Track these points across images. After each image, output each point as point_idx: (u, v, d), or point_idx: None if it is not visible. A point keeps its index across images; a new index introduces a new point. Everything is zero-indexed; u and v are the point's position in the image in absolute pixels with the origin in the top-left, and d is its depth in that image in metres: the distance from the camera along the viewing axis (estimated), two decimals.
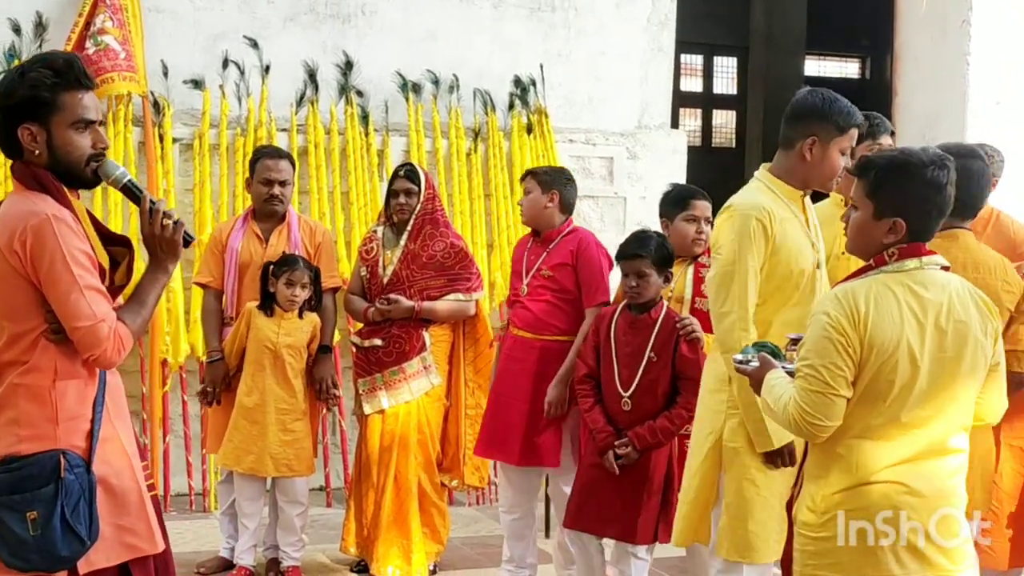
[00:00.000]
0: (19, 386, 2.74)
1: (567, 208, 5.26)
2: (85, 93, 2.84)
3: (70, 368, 2.77)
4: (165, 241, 2.85)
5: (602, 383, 4.63)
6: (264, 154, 5.62)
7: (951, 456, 2.99)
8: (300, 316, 5.38)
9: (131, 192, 2.93)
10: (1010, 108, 8.41)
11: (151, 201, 2.88)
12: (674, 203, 4.91)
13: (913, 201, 2.99)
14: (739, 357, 3.31)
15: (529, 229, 5.37)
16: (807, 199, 3.94)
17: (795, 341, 3.38)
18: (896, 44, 9.26)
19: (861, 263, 3.11)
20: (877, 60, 9.72)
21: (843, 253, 4.56)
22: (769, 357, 3.21)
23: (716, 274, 3.78)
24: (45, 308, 2.75)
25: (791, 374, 3.04)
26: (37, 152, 2.81)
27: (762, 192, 3.81)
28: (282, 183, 5.48)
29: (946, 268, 3.04)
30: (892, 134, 5.00)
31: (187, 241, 2.90)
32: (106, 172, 2.89)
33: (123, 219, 6.44)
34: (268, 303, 5.34)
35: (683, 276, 4.87)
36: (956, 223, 3.98)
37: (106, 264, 2.88)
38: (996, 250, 4.25)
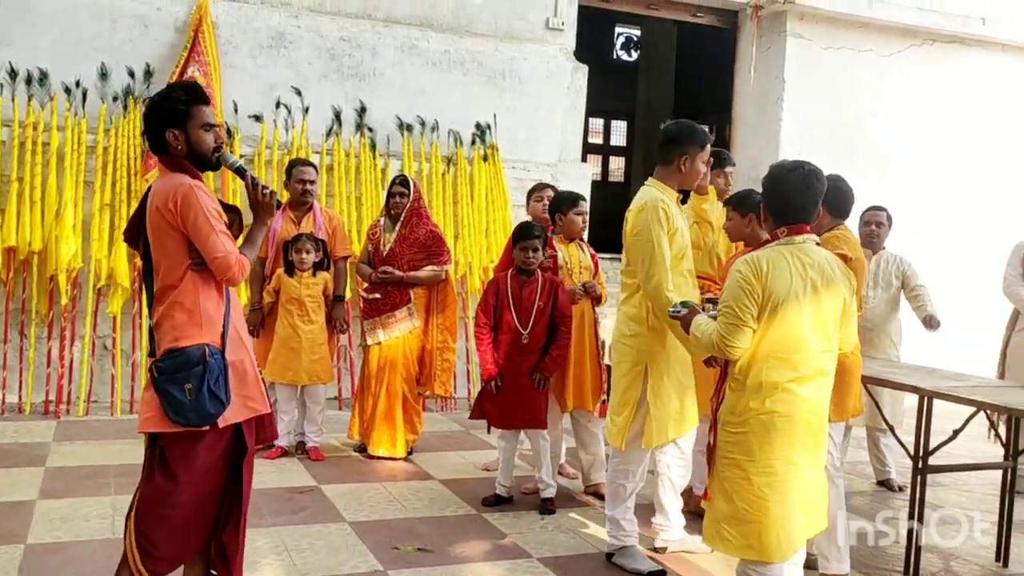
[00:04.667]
0: (175, 303, 2.79)
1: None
2: (206, 106, 2.89)
3: (207, 290, 2.82)
4: (263, 204, 2.95)
5: (504, 326, 4.56)
6: (297, 162, 5.59)
7: (825, 377, 2.98)
8: (314, 275, 5.34)
9: (241, 172, 2.98)
10: (809, 157, 8.43)
11: (253, 178, 2.95)
12: (568, 202, 4.87)
13: (781, 200, 3.02)
14: (672, 310, 3.38)
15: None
16: (678, 198, 3.92)
17: (710, 301, 3.42)
18: (734, 113, 9.28)
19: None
20: (721, 124, 9.70)
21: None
22: (696, 307, 3.33)
23: (641, 250, 3.65)
24: (190, 248, 2.79)
25: (714, 319, 3.06)
26: (179, 147, 2.85)
27: (656, 192, 3.77)
28: (311, 182, 5.45)
29: (818, 244, 3.05)
30: (733, 164, 5.07)
31: (278, 204, 2.97)
32: (225, 159, 2.93)
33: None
34: (290, 268, 5.30)
35: (579, 251, 4.91)
36: (837, 223, 3.94)
37: (225, 220, 2.92)
38: None
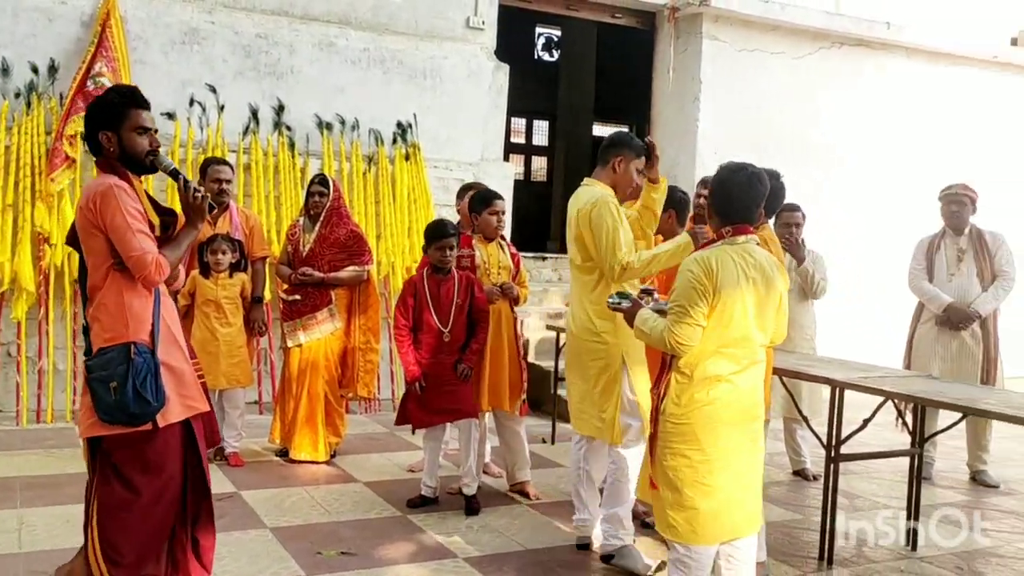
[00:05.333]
0: (100, 303, 2.80)
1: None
2: (143, 110, 2.89)
3: (131, 289, 2.81)
4: (195, 207, 2.94)
5: (424, 326, 4.53)
6: (212, 161, 5.43)
7: (758, 366, 3.07)
8: (230, 276, 5.21)
9: (175, 175, 2.96)
10: (724, 156, 8.59)
11: (186, 181, 2.93)
12: (481, 202, 4.83)
13: (727, 201, 3.11)
14: (611, 301, 3.37)
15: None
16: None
17: (645, 291, 3.43)
18: (652, 114, 9.40)
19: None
20: (640, 124, 9.85)
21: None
22: (637, 299, 3.34)
23: (605, 239, 3.69)
24: (111, 248, 2.78)
25: (660, 311, 3.12)
26: (112, 149, 2.87)
27: (600, 189, 3.85)
28: (227, 181, 5.31)
29: (759, 244, 3.14)
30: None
31: (211, 208, 2.99)
32: (159, 162, 2.92)
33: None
34: (205, 269, 5.17)
35: (498, 250, 4.87)
36: (764, 221, 4.01)
37: (156, 222, 2.93)
38: None
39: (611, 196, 3.80)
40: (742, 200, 3.08)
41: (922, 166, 9.47)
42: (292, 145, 6.93)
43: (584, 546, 4.07)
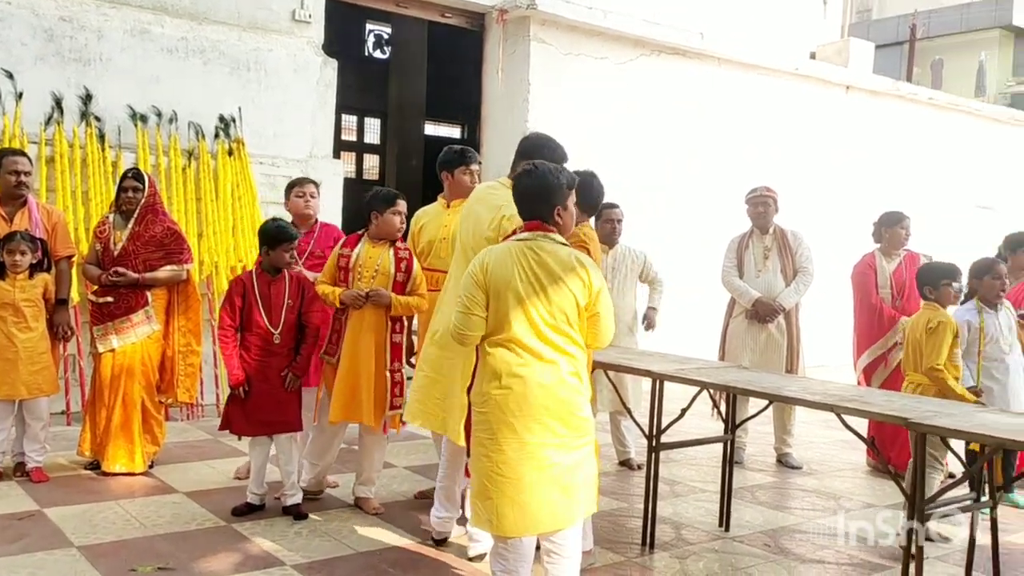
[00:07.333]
0: None
1: None
2: None
3: None
4: None
5: (253, 327, 4.37)
6: (7, 152, 5.02)
7: (556, 365, 3.03)
8: (31, 277, 4.81)
9: None
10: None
11: None
12: (384, 201, 4.51)
13: (521, 196, 3.18)
14: None
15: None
16: None
17: None
18: (483, 114, 9.48)
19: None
20: (471, 124, 9.93)
21: (444, 238, 4.67)
22: None
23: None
24: None
25: None
26: None
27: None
28: (26, 174, 4.91)
29: (562, 243, 3.12)
30: (479, 164, 5.10)
31: None
32: None
33: None
34: (1, 270, 4.76)
35: (386, 255, 4.46)
36: (584, 218, 4.05)
37: None
38: None
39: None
40: (531, 196, 3.14)
41: (734, 169, 10.07)
42: (102, 137, 6.48)
43: (442, 541, 4.07)
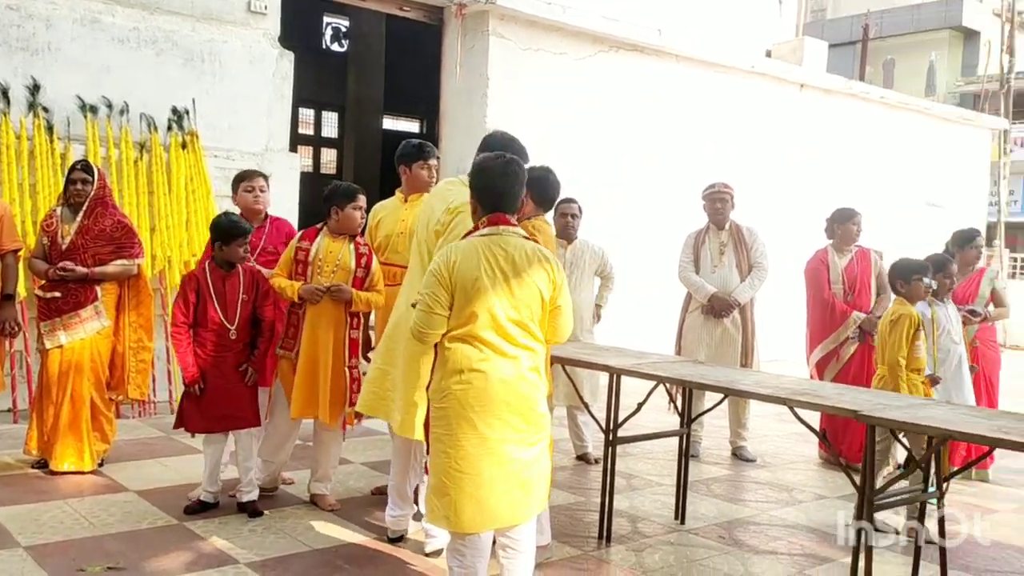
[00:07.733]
0: None
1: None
2: None
3: None
4: None
5: (208, 323, 4.30)
6: None
7: (518, 360, 3.02)
8: None
9: None
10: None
11: None
12: (344, 195, 4.44)
13: (484, 190, 3.13)
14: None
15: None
16: None
17: None
18: (441, 109, 9.44)
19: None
20: (430, 119, 9.88)
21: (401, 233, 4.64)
22: None
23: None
24: None
25: None
26: None
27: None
28: None
29: (525, 237, 3.11)
30: (437, 158, 5.03)
31: None
32: None
33: None
34: None
35: (347, 250, 4.42)
36: (540, 212, 4.05)
37: None
38: None
39: None
40: (496, 189, 3.10)
41: (691, 165, 10.16)
42: (50, 128, 6.33)
43: (398, 539, 4.05)
